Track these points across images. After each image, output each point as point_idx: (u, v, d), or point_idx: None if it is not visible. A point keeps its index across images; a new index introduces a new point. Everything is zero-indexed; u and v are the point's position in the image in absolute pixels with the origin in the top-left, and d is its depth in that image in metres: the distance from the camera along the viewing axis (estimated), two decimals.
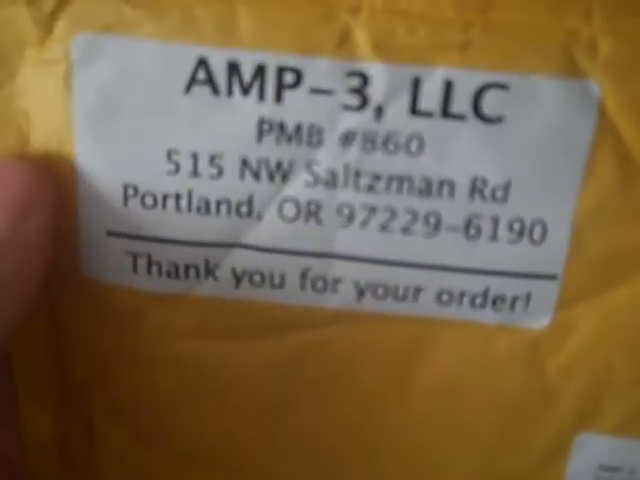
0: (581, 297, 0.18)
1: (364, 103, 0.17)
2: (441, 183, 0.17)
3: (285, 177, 0.17)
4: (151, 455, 0.21)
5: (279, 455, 0.21)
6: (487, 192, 0.17)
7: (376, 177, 0.17)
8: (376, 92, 0.16)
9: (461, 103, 0.16)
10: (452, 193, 0.17)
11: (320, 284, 0.18)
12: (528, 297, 0.18)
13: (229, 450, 0.21)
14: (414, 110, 0.17)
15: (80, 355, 0.20)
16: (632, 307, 0.18)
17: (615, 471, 0.20)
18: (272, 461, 0.21)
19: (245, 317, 0.19)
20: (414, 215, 0.17)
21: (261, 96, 0.17)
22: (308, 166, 0.17)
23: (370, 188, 0.17)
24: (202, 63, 0.16)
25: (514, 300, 0.18)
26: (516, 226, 0.17)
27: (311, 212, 0.18)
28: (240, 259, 0.18)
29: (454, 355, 0.19)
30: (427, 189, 0.17)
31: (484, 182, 0.17)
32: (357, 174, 0.17)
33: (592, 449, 0.20)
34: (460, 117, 0.17)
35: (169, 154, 0.17)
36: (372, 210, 0.17)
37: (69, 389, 0.20)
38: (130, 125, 0.17)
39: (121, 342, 0.19)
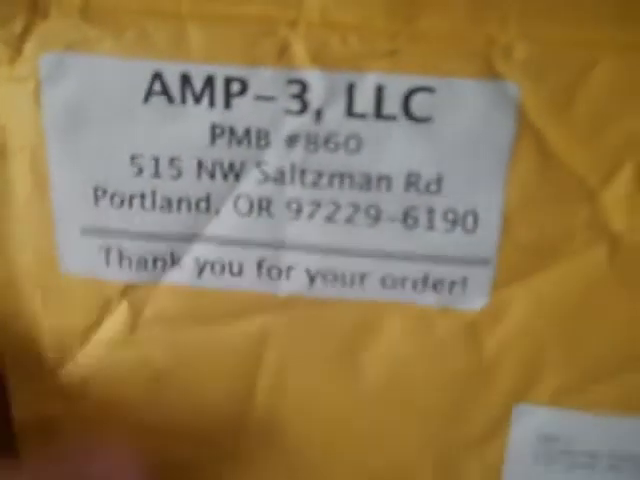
0: (513, 280, 0.20)
1: (304, 108, 0.18)
2: (379, 178, 0.19)
3: (238, 176, 0.19)
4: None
5: (245, 433, 0.23)
6: (421, 185, 0.19)
7: (320, 174, 0.19)
8: (315, 97, 0.18)
9: (392, 105, 0.18)
10: (389, 187, 0.19)
11: (275, 272, 0.20)
12: (465, 281, 0.20)
13: (199, 430, 0.22)
14: (350, 112, 0.18)
15: (54, 345, 0.22)
16: (560, 289, 0.20)
17: (553, 440, 0.21)
18: (239, 440, 0.23)
19: (208, 304, 0.21)
20: (356, 207, 0.19)
21: (212, 104, 0.18)
22: (258, 165, 0.19)
23: (315, 184, 0.19)
24: (157, 76, 0.18)
25: (452, 284, 0.20)
26: (450, 216, 0.19)
27: (263, 207, 0.19)
28: (202, 251, 0.20)
29: (399, 335, 0.21)
30: (366, 184, 0.19)
31: (418, 176, 0.19)
32: (302, 172, 0.19)
33: (530, 420, 0.21)
34: (392, 118, 0.18)
35: (133, 158, 0.19)
36: (317, 204, 0.19)
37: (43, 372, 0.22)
38: (96, 134, 0.19)
39: (95, 331, 0.21)
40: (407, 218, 0.19)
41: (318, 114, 0.18)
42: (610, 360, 0.20)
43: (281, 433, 0.22)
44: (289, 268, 0.20)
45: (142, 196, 0.19)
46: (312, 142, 0.19)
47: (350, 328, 0.21)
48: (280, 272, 0.20)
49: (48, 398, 0.23)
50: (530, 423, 0.21)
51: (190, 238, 0.20)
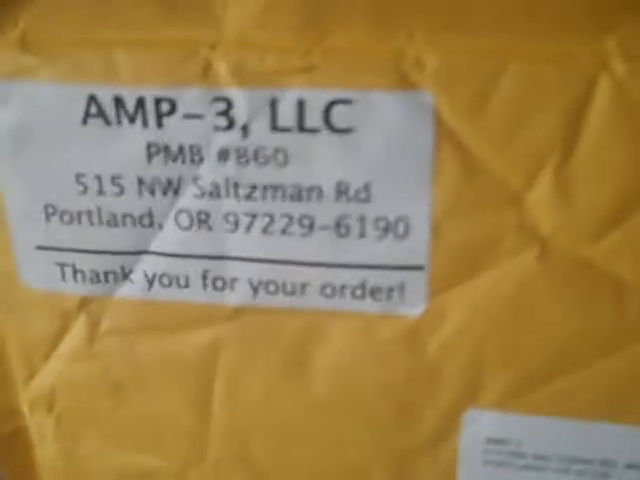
0: (449, 285, 0.20)
1: (231, 124, 0.19)
2: (309, 189, 0.19)
3: (176, 191, 0.20)
4: (89, 443, 0.24)
5: (206, 443, 0.23)
6: (351, 194, 0.19)
7: (253, 187, 0.20)
8: (240, 114, 0.19)
9: (313, 118, 0.19)
10: (320, 197, 0.19)
11: (219, 283, 0.21)
12: (402, 287, 0.20)
13: (161, 441, 0.23)
14: (275, 127, 0.19)
15: (21, 359, 0.23)
16: (495, 293, 0.20)
17: (503, 443, 0.21)
18: (201, 450, 0.23)
19: (161, 316, 0.22)
20: (290, 218, 0.20)
21: (145, 124, 0.19)
22: (194, 181, 0.20)
23: (249, 197, 0.20)
24: (92, 99, 0.19)
25: (390, 290, 0.20)
26: (381, 223, 0.20)
27: (202, 221, 0.20)
28: (150, 264, 0.21)
29: (343, 343, 0.21)
30: (298, 195, 0.20)
31: (347, 185, 0.19)
32: (236, 185, 0.20)
33: (479, 424, 0.21)
34: (314, 130, 0.19)
35: (77, 177, 0.20)
36: (253, 216, 0.20)
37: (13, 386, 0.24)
38: (42, 155, 0.20)
39: (57, 344, 0.22)
40: (339, 227, 0.20)
41: (245, 129, 0.19)
42: (547, 363, 0.20)
43: (241, 443, 0.23)
44: (233, 279, 0.21)
45: (89, 213, 0.20)
46: (242, 156, 0.19)
47: (296, 336, 0.21)
48: (225, 283, 0.21)
49: (21, 409, 0.24)
50: (479, 427, 0.21)
51: (138, 252, 0.21)
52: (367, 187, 0.19)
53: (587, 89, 0.18)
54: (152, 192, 0.20)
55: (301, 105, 0.19)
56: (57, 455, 0.24)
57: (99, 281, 0.21)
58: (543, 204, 0.19)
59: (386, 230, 0.20)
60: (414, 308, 0.20)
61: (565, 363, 0.20)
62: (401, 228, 0.19)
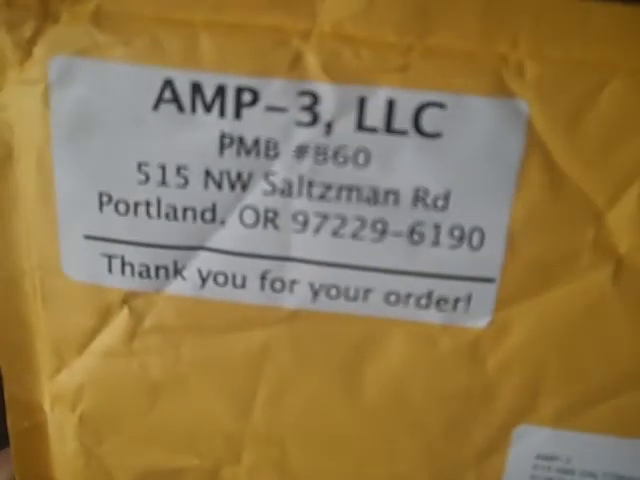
0: (517, 299, 0.20)
1: (315, 120, 0.18)
2: (387, 193, 0.19)
3: (245, 187, 0.19)
4: (113, 442, 0.23)
5: (243, 447, 0.22)
6: (429, 201, 0.19)
7: (327, 187, 0.19)
8: (325, 110, 0.18)
9: (402, 120, 0.18)
10: (397, 202, 0.19)
11: (278, 285, 0.20)
12: (469, 299, 0.20)
13: (194, 443, 0.22)
14: (360, 126, 0.18)
15: (51, 350, 0.22)
16: (564, 309, 0.20)
17: (552, 460, 0.21)
18: (237, 454, 0.22)
19: (210, 315, 0.20)
20: (362, 222, 0.19)
21: (222, 113, 0.18)
22: (266, 177, 0.19)
23: (322, 197, 0.19)
24: (168, 84, 0.18)
25: (456, 301, 0.20)
26: (456, 233, 0.19)
27: (269, 219, 0.19)
28: (205, 261, 0.20)
29: (402, 352, 0.20)
30: (374, 198, 0.19)
31: (426, 192, 0.19)
32: (310, 184, 0.19)
33: (530, 440, 0.21)
34: (402, 132, 0.18)
35: (139, 165, 0.19)
36: (324, 217, 0.19)
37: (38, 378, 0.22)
38: (104, 139, 0.19)
39: (94, 338, 0.21)
40: (413, 234, 0.19)
41: (328, 127, 0.18)
42: (608, 382, 0.20)
43: (279, 447, 0.22)
44: (293, 281, 0.20)
45: (147, 204, 0.19)
46: (321, 154, 0.18)
47: (352, 343, 0.21)
48: (284, 285, 0.20)
49: (42, 404, 0.22)
50: (530, 443, 0.21)
51: (194, 248, 0.20)
52: (446, 194, 0.19)
53: None
54: (219, 186, 0.19)
55: (391, 105, 0.18)
56: (76, 452, 0.23)
57: (148, 276, 0.20)
58: (624, 222, 0.19)
59: (461, 240, 0.19)
60: (478, 321, 0.20)
61: (625, 382, 0.20)
62: (476, 238, 0.19)
